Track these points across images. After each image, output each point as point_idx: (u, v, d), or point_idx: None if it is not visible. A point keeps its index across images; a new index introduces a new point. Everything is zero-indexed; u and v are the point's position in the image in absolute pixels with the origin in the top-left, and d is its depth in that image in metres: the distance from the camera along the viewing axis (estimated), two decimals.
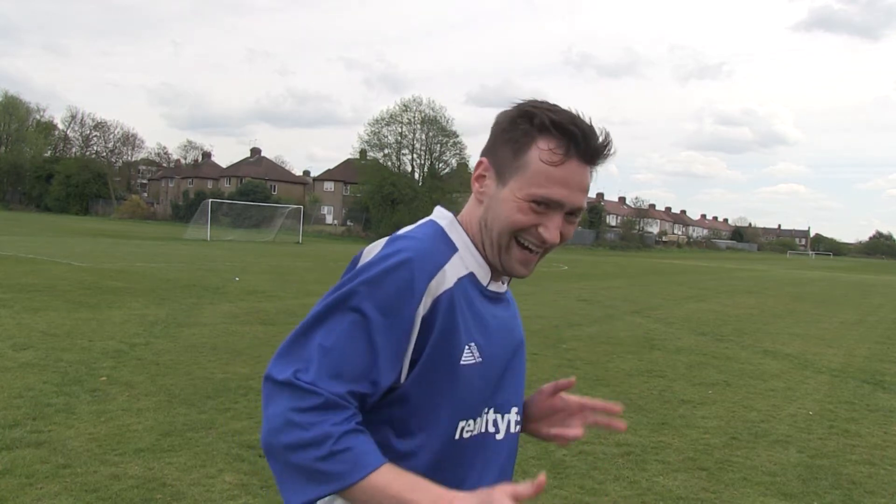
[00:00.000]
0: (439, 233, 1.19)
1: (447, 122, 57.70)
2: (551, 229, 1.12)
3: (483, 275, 1.20)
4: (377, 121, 57.51)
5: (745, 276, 32.67)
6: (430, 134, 57.55)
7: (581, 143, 1.11)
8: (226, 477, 3.96)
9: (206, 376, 6.22)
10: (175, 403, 5.32)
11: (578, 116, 1.13)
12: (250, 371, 6.55)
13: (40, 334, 7.56)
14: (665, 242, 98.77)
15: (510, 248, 1.15)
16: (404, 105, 57.49)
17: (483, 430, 1.18)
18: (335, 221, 70.74)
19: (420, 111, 57.26)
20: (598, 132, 1.13)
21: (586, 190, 1.14)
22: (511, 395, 1.24)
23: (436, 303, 1.10)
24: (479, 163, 1.18)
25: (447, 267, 1.14)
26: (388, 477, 0.98)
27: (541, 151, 1.10)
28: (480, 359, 1.14)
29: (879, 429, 5.91)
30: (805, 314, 15.56)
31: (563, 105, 1.15)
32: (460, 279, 1.16)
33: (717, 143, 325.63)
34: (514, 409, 1.25)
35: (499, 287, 1.24)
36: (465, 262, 1.18)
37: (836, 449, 5.24)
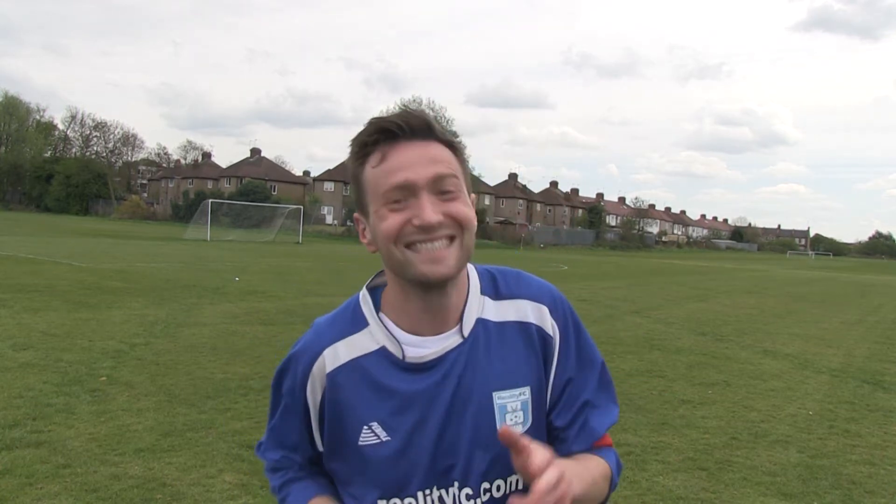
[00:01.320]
0: (350, 310, 1.21)
1: (447, 122, 57.78)
2: (423, 210, 1.02)
3: (395, 347, 1.12)
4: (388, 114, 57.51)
5: (745, 276, 32.68)
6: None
7: (391, 126, 1.06)
8: (226, 477, 3.96)
9: (206, 376, 6.22)
10: (175, 403, 5.32)
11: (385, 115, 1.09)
12: (250, 371, 6.56)
13: (40, 334, 7.56)
14: (665, 242, 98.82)
15: (408, 259, 1.05)
16: (404, 105, 57.18)
17: None
18: (335, 221, 70.75)
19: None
20: (403, 111, 1.09)
21: (434, 158, 1.05)
22: (452, 469, 1.11)
23: (328, 383, 1.16)
24: (355, 220, 1.19)
25: (339, 346, 1.16)
26: None
27: (368, 165, 1.08)
28: (388, 437, 1.11)
29: (879, 429, 5.91)
30: (805, 314, 15.56)
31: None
32: (364, 356, 1.14)
33: (716, 143, 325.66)
34: (457, 483, 1.11)
35: (426, 353, 1.11)
36: (374, 337, 1.14)
37: (836, 449, 5.24)
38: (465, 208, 1.07)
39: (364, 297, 1.20)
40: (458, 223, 1.05)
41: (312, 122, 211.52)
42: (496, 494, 1.12)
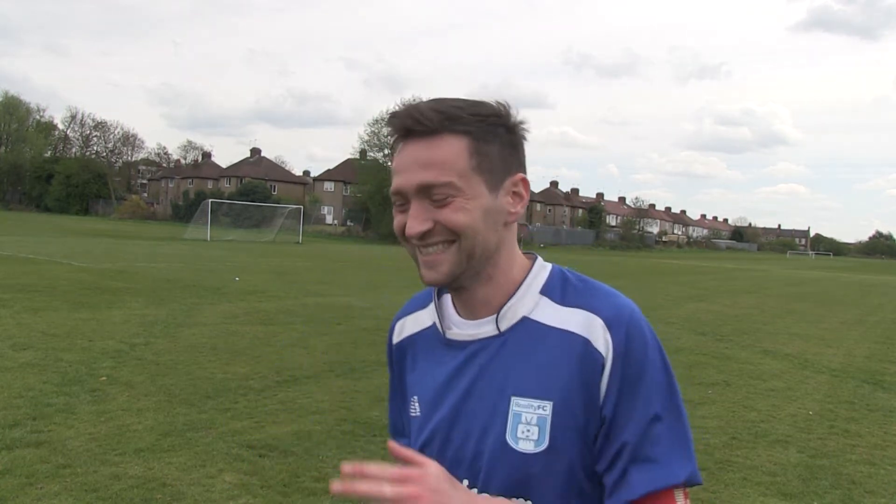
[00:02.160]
0: (430, 289, 1.18)
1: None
2: (409, 221, 1.01)
3: (440, 325, 1.12)
4: (377, 121, 57.49)
5: (745, 276, 32.67)
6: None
7: (395, 123, 1.03)
8: (226, 477, 3.96)
9: (206, 376, 6.22)
10: (175, 403, 5.32)
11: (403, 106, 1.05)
12: (250, 371, 6.56)
13: (40, 334, 7.56)
14: (665, 242, 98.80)
15: (415, 258, 1.05)
16: (404, 105, 57.49)
17: None
18: (335, 221, 70.75)
19: None
20: (409, 105, 1.03)
21: (426, 162, 1.00)
22: (463, 463, 1.05)
23: (396, 353, 1.22)
24: None
25: (407, 319, 1.21)
26: None
27: None
28: (419, 413, 1.13)
29: (879, 429, 5.91)
30: (805, 314, 15.56)
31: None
32: (419, 332, 1.18)
33: (716, 143, 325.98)
34: (466, 482, 1.04)
35: (462, 334, 1.09)
36: (431, 315, 1.16)
37: (836, 449, 5.24)
38: (458, 215, 0.99)
39: None
40: (449, 230, 1.00)
41: (312, 122, 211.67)
42: None
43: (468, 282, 1.05)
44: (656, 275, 29.35)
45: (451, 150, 1.00)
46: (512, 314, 1.06)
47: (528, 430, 1.01)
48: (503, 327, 1.06)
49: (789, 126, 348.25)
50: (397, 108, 1.05)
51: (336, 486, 0.88)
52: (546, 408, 1.00)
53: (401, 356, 1.21)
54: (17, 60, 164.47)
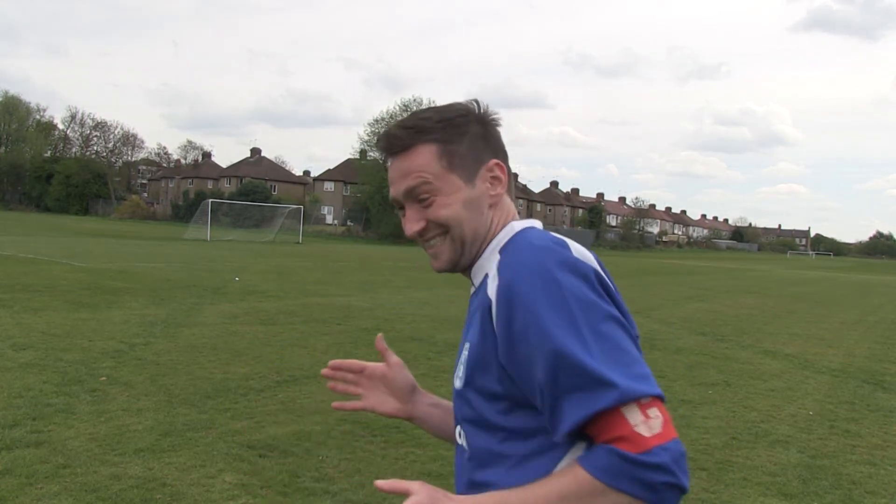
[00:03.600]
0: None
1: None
2: (406, 224, 1.19)
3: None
4: (377, 121, 57.49)
5: (746, 276, 32.66)
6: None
7: (379, 146, 1.21)
8: (226, 477, 3.96)
9: (206, 376, 6.22)
10: (175, 403, 5.32)
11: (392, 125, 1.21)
12: (250, 371, 6.55)
13: (40, 334, 7.56)
14: (665, 242, 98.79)
15: (427, 253, 1.22)
16: (404, 105, 57.44)
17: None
18: (335, 221, 70.73)
19: None
20: (386, 129, 1.20)
21: (405, 172, 1.16)
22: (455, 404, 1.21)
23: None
24: None
25: None
26: None
27: None
28: None
29: (880, 429, 5.91)
30: (805, 314, 15.56)
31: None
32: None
33: (716, 143, 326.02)
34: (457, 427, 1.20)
35: (472, 291, 1.23)
36: None
37: (837, 449, 5.24)
38: (442, 210, 1.14)
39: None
40: (438, 224, 1.16)
41: (312, 122, 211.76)
42: (459, 440, 1.19)
43: (470, 262, 1.19)
44: (656, 275, 29.35)
45: (423, 158, 1.15)
46: (479, 273, 1.18)
47: (460, 370, 1.15)
48: (476, 283, 1.19)
49: (789, 126, 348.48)
50: (378, 134, 1.31)
51: None
52: (466, 349, 1.14)
53: None
54: (17, 60, 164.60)
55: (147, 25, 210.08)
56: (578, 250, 1.07)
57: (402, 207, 1.20)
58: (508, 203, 1.21)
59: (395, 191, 1.18)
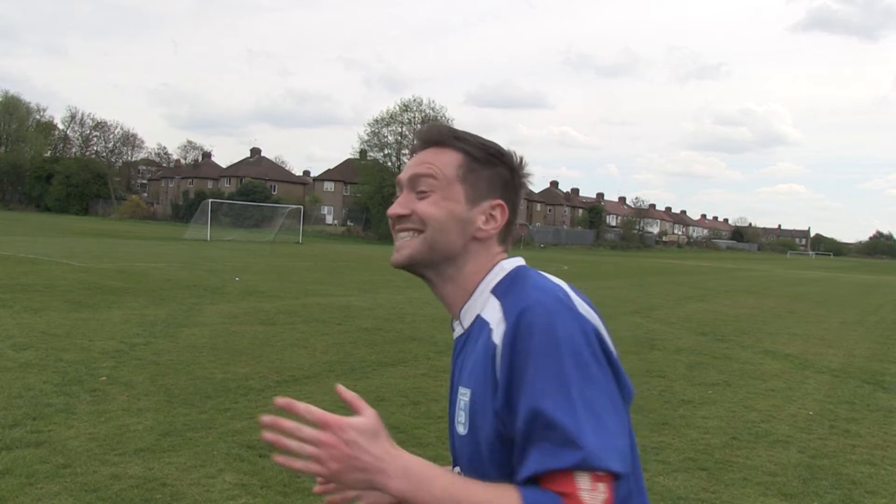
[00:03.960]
0: None
1: (448, 122, 57.68)
2: (393, 205, 1.19)
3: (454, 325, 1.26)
4: (377, 121, 57.57)
5: (746, 276, 32.67)
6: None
7: (418, 134, 1.24)
8: (226, 477, 3.96)
9: (206, 376, 6.22)
10: (175, 403, 5.32)
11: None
12: (250, 371, 6.55)
13: (40, 334, 7.56)
14: (665, 242, 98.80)
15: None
16: (404, 105, 57.55)
17: None
18: (335, 221, 70.74)
19: (420, 111, 57.30)
20: (429, 125, 1.24)
21: (423, 161, 1.19)
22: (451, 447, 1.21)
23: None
24: None
25: None
26: None
27: None
28: None
29: (880, 429, 5.91)
30: (805, 314, 15.56)
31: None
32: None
33: (716, 143, 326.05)
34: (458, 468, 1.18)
35: (458, 332, 1.22)
36: None
37: (837, 449, 5.24)
38: (431, 207, 1.15)
39: None
40: (421, 219, 1.16)
41: (312, 122, 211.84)
42: None
43: (428, 273, 1.19)
44: (656, 275, 29.34)
45: (446, 158, 1.18)
46: (470, 314, 1.17)
47: (461, 416, 1.12)
48: (465, 325, 1.18)
49: (789, 126, 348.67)
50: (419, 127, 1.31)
51: (266, 418, 0.98)
52: (467, 395, 1.11)
53: None
54: (17, 60, 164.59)
55: (147, 25, 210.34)
56: (581, 304, 1.08)
57: (399, 191, 1.22)
58: (496, 249, 1.20)
59: (404, 173, 1.21)
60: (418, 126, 60.54)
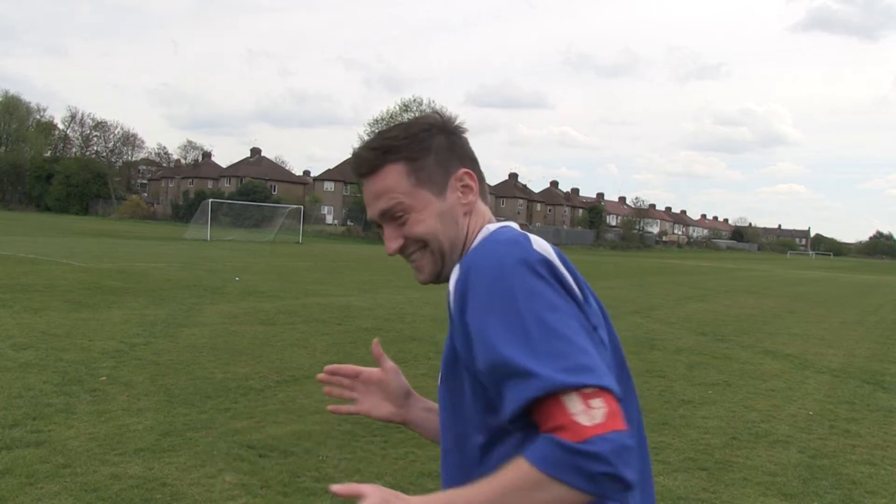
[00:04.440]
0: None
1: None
2: (386, 242, 1.22)
3: None
4: (377, 121, 57.48)
5: (746, 276, 32.67)
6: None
7: (351, 168, 1.27)
8: (226, 477, 3.96)
9: (206, 376, 6.22)
10: (175, 403, 5.32)
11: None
12: (250, 371, 6.55)
13: (40, 334, 7.55)
14: (665, 242, 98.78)
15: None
16: (404, 105, 57.52)
17: None
18: (335, 221, 70.74)
19: (420, 111, 57.28)
20: (354, 153, 1.25)
21: (377, 194, 1.20)
22: None
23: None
24: None
25: None
26: None
27: None
28: None
29: (880, 429, 5.91)
30: (805, 314, 15.56)
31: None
32: None
33: (716, 143, 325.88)
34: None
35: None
36: None
37: (837, 449, 5.24)
38: (417, 227, 1.18)
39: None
40: (415, 240, 1.19)
41: (312, 122, 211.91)
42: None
43: (452, 272, 1.16)
44: (656, 275, 29.35)
45: (392, 178, 1.18)
46: (453, 280, 1.16)
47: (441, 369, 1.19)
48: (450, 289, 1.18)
49: (789, 126, 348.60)
50: (351, 155, 1.30)
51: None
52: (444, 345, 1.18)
53: None
54: (17, 60, 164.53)
55: (147, 25, 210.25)
56: (537, 242, 1.10)
57: (380, 226, 1.24)
58: (483, 208, 1.25)
59: (371, 212, 1.22)
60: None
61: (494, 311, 1.00)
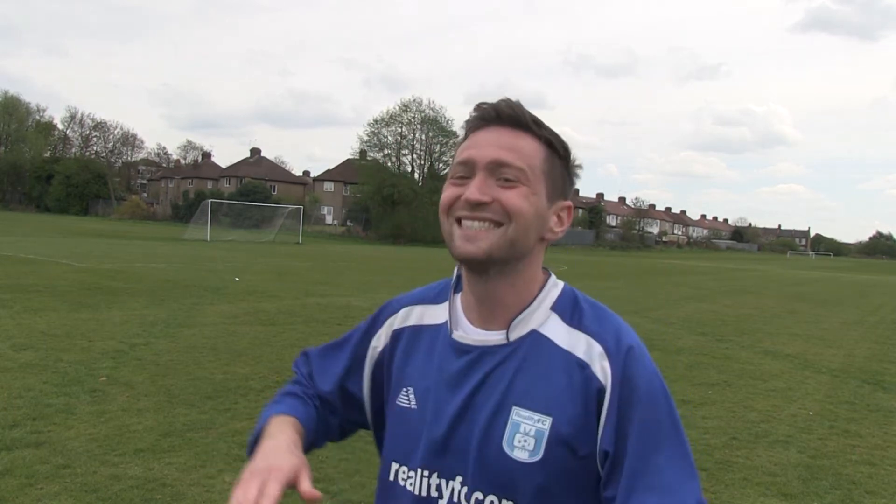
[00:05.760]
0: (444, 283, 1.24)
1: (447, 122, 57.71)
2: (472, 189, 1.05)
3: (451, 323, 1.15)
4: (377, 121, 57.56)
5: (745, 276, 32.67)
6: (430, 134, 57.66)
7: (487, 108, 1.10)
8: (226, 477, 3.96)
9: (206, 376, 6.22)
10: (175, 403, 5.32)
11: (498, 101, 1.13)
12: (250, 371, 6.55)
13: (40, 334, 7.55)
14: (665, 243, 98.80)
15: (452, 233, 1.08)
16: (404, 105, 57.59)
17: (423, 491, 1.10)
18: (335, 222, 70.73)
19: (420, 111, 57.34)
20: (507, 102, 1.11)
21: (507, 146, 1.06)
22: (458, 461, 1.08)
23: (391, 338, 1.23)
24: None
25: (417, 309, 1.22)
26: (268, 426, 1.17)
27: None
28: (415, 406, 1.14)
29: (879, 429, 5.91)
30: (805, 314, 15.56)
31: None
32: (429, 326, 1.19)
33: (716, 143, 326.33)
34: (460, 479, 1.08)
35: (470, 339, 1.12)
36: (445, 313, 1.18)
37: (837, 449, 5.24)
38: (520, 200, 1.05)
39: (455, 275, 1.21)
40: (506, 211, 1.04)
41: (312, 123, 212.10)
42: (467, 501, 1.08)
43: (496, 273, 1.08)
44: (656, 275, 29.34)
45: (532, 147, 1.08)
46: (523, 325, 1.10)
47: (525, 441, 1.04)
48: (512, 337, 1.09)
49: (789, 126, 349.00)
50: (479, 103, 1.12)
51: None
52: (545, 422, 1.04)
53: (395, 341, 1.22)
54: (17, 60, 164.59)
55: (147, 25, 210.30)
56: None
57: (464, 176, 1.07)
58: (543, 255, 1.16)
59: (482, 153, 1.06)
60: (417, 127, 62.33)
61: (671, 440, 1.02)
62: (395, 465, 1.15)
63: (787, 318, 14.41)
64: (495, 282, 1.09)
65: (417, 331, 1.20)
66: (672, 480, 0.98)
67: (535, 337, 1.09)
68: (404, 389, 1.16)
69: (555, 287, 1.14)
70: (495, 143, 1.07)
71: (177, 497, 3.67)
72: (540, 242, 1.11)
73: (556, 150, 1.11)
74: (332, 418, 1.27)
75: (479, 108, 1.11)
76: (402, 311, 1.23)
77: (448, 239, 1.09)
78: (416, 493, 1.11)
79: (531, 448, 1.04)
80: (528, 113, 1.10)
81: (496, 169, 1.05)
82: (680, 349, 9.39)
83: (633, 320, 12.23)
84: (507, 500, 1.04)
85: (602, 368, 1.04)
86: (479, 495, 1.06)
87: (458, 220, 1.06)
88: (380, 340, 1.24)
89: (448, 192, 1.08)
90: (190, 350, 7.28)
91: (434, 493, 1.09)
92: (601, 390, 1.03)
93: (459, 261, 1.09)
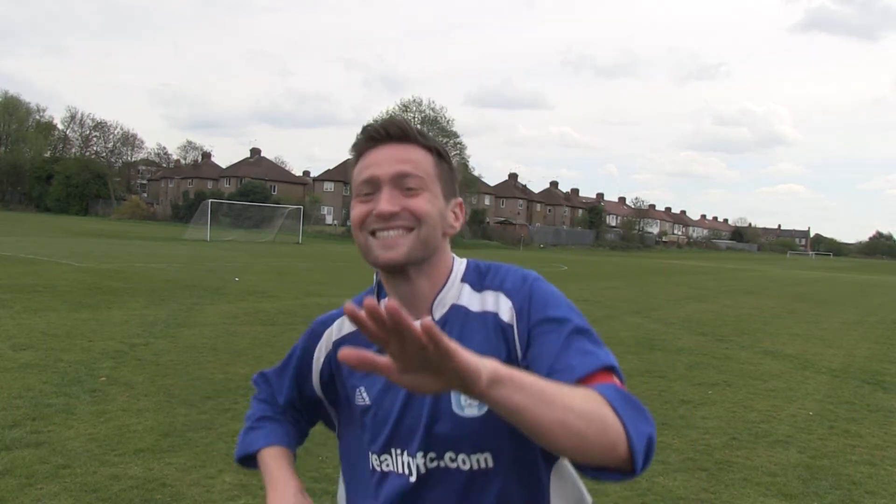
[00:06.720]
0: (367, 293, 1.36)
1: (447, 122, 57.75)
2: (381, 203, 1.17)
3: None
4: (377, 121, 57.50)
5: (745, 276, 32.67)
6: (430, 134, 57.57)
7: (374, 129, 1.22)
8: (226, 477, 3.96)
9: (206, 376, 6.22)
10: (175, 403, 5.32)
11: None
12: (250, 371, 6.55)
13: (40, 334, 7.56)
14: (665, 243, 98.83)
15: (369, 245, 1.19)
16: (404, 105, 57.56)
17: (402, 469, 1.22)
18: (335, 222, 70.73)
19: (420, 111, 57.32)
20: (386, 119, 1.25)
21: (403, 160, 1.19)
22: (422, 437, 1.19)
23: (332, 348, 1.36)
24: None
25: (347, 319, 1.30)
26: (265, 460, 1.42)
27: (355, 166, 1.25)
28: (369, 402, 1.26)
29: (880, 429, 5.91)
30: (805, 314, 15.56)
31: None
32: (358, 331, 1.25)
33: (716, 143, 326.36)
34: (432, 453, 1.19)
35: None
36: None
37: (837, 449, 5.24)
38: (426, 204, 1.18)
39: (376, 283, 1.33)
40: (415, 216, 1.17)
41: (312, 123, 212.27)
42: (463, 467, 1.19)
43: (415, 272, 1.21)
44: (656, 275, 29.34)
45: (423, 157, 1.21)
46: (443, 303, 1.23)
47: (469, 399, 1.13)
48: (437, 316, 1.23)
49: (789, 126, 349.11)
50: (365, 125, 1.26)
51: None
52: None
53: (337, 350, 1.33)
54: (17, 60, 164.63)
55: (147, 25, 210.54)
56: None
57: (370, 193, 1.18)
58: (448, 244, 1.30)
59: (383, 170, 1.18)
60: (418, 126, 61.17)
61: (563, 310, 1.18)
62: (372, 457, 1.27)
63: (787, 318, 14.41)
64: (415, 279, 1.22)
65: (356, 336, 1.31)
66: (587, 348, 1.13)
67: (454, 308, 1.23)
68: (357, 390, 1.28)
69: (461, 265, 1.28)
70: (393, 158, 1.19)
71: (177, 497, 3.67)
72: (444, 238, 1.25)
73: (442, 156, 1.24)
74: (303, 424, 1.49)
75: (366, 130, 1.24)
76: (336, 324, 1.38)
77: (365, 251, 1.21)
78: (398, 471, 1.23)
79: (477, 403, 1.15)
80: (414, 127, 1.23)
81: (399, 181, 1.17)
82: (680, 349, 9.39)
83: (634, 320, 12.24)
84: (480, 453, 1.18)
85: (509, 310, 1.19)
86: (450, 454, 1.18)
87: (373, 233, 1.18)
88: (321, 352, 1.38)
89: (358, 210, 1.20)
90: (190, 350, 7.28)
91: (407, 471, 1.21)
92: (510, 327, 1.18)
93: (381, 268, 1.21)
